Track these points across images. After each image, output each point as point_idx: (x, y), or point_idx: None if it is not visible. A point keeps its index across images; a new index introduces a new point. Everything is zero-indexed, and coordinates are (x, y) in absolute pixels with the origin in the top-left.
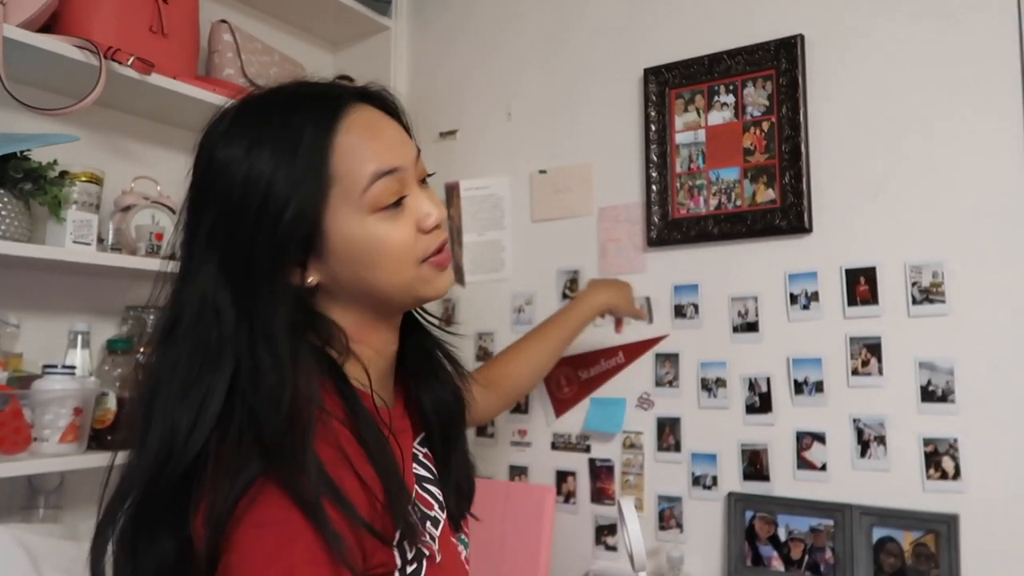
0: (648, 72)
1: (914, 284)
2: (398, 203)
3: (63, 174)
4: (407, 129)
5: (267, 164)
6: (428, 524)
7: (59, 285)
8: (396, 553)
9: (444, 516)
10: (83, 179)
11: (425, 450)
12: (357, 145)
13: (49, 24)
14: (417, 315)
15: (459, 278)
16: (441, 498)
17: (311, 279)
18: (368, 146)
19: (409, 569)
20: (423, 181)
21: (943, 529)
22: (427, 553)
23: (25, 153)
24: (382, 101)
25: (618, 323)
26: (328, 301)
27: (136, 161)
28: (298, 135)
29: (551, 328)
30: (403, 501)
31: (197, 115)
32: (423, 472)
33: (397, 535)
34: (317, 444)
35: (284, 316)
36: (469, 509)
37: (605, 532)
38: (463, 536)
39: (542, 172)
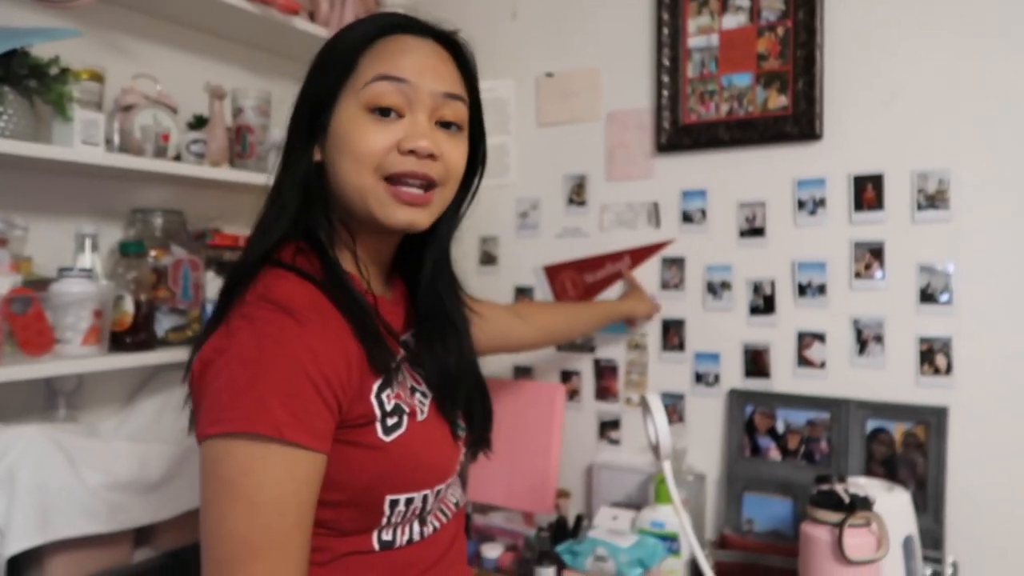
0: None
1: (920, 191)
2: (389, 113)
3: (65, 71)
4: (466, 81)
5: (322, 58)
6: (418, 394)
7: (63, 187)
8: (375, 403)
9: (431, 397)
10: (84, 77)
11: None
12: (383, 53)
13: None
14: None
15: None
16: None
17: (317, 156)
18: (391, 57)
19: (390, 421)
20: (445, 125)
21: (933, 420)
22: (407, 410)
23: (26, 49)
24: (452, 45)
25: (631, 321)
26: (333, 187)
27: (133, 58)
28: (349, 40)
29: (582, 305)
30: (379, 351)
31: (196, 9)
32: (409, 358)
33: (376, 385)
34: (287, 300)
35: (294, 181)
36: (485, 434)
37: (608, 427)
38: (460, 424)
39: (549, 75)
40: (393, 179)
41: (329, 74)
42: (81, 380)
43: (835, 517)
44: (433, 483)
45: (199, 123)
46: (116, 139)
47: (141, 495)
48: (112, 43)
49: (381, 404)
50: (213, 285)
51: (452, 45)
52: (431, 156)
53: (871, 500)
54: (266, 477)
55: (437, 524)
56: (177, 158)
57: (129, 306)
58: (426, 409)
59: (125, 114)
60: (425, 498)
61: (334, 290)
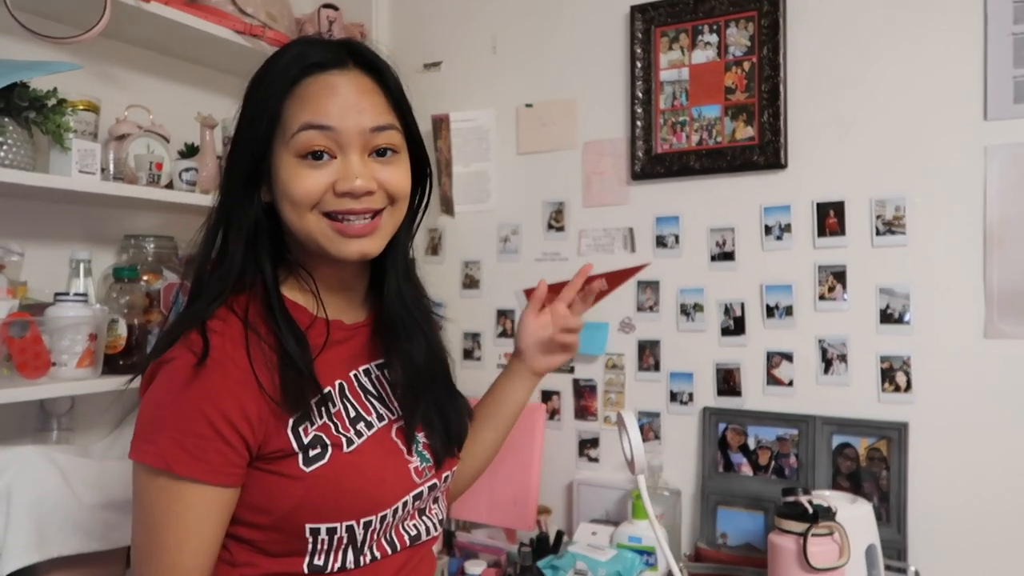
0: (635, 9)
1: (878, 217)
2: (321, 155)
3: (62, 102)
4: (395, 105)
5: (250, 105)
6: (360, 424)
7: (59, 213)
8: (291, 437)
9: (382, 425)
10: (81, 107)
11: (380, 374)
12: (305, 98)
13: None
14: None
15: (447, 208)
16: (385, 414)
17: (265, 196)
18: (314, 103)
19: (312, 452)
20: (380, 153)
21: (894, 435)
22: (330, 441)
23: (25, 81)
24: (375, 71)
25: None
26: (284, 224)
27: (126, 89)
28: (273, 84)
29: (490, 413)
30: (300, 389)
31: (188, 42)
32: (369, 387)
33: (291, 420)
34: (210, 334)
35: (240, 229)
36: (450, 446)
37: (588, 445)
38: (425, 453)
39: (528, 106)
40: (335, 216)
41: (258, 126)
42: (74, 401)
43: (799, 527)
44: (358, 515)
45: (191, 151)
46: (111, 167)
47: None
48: (107, 75)
49: (298, 438)
50: None
51: (375, 71)
52: (368, 192)
53: (833, 510)
54: (162, 503)
55: (379, 554)
56: (169, 185)
57: (123, 329)
58: (362, 439)
59: (119, 143)
60: (350, 528)
61: (260, 330)
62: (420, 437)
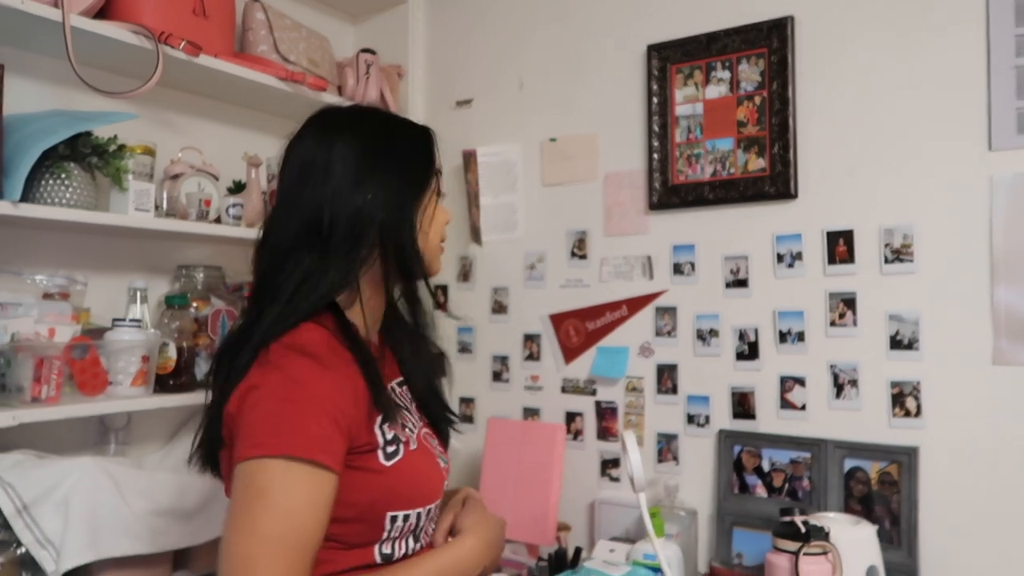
0: (651, 48)
1: (886, 245)
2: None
3: (122, 148)
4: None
5: (412, 174)
6: (408, 428)
7: (118, 247)
8: (378, 433)
9: (417, 430)
10: (139, 152)
11: (402, 390)
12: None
13: (103, 9)
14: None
15: (476, 238)
16: (415, 421)
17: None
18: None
19: (389, 449)
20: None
21: (905, 460)
22: (403, 439)
23: (89, 130)
24: None
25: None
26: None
27: (180, 132)
28: (426, 161)
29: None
30: (382, 393)
31: (235, 89)
32: (398, 400)
33: (378, 419)
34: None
35: (347, 272)
36: (445, 438)
37: (609, 465)
38: (444, 457)
39: (552, 140)
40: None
41: (419, 184)
42: (130, 417)
43: (793, 545)
44: (425, 502)
45: (238, 188)
46: (164, 204)
47: (180, 521)
48: (163, 120)
49: (383, 434)
50: None
51: None
52: None
53: (826, 530)
54: (295, 488)
55: (424, 543)
56: (217, 220)
57: (172, 352)
58: (415, 440)
59: (173, 182)
60: (419, 515)
61: (346, 340)
62: (437, 444)
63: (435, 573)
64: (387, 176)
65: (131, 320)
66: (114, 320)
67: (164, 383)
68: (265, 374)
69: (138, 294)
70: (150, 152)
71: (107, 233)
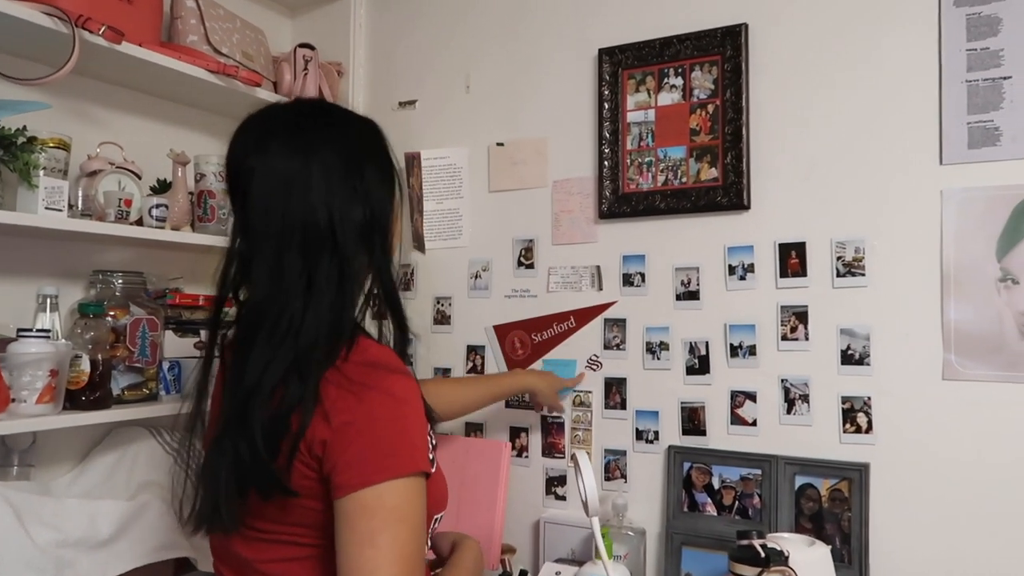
0: (603, 52)
1: (839, 258)
2: None
3: (32, 140)
4: None
5: (392, 191)
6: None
7: (27, 249)
8: (431, 441)
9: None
10: (51, 145)
11: None
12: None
13: None
14: None
15: (419, 245)
16: None
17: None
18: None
19: (431, 456)
20: None
21: (856, 476)
22: (433, 446)
23: None
24: None
25: (537, 404)
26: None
27: (99, 126)
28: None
29: (478, 381)
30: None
31: (161, 81)
32: None
33: (429, 427)
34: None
35: (361, 286)
36: None
37: (555, 483)
38: None
39: (500, 145)
40: None
41: (393, 199)
42: (35, 437)
43: (752, 571)
44: (444, 506)
45: (162, 188)
46: (79, 204)
47: (90, 552)
48: (80, 112)
49: (431, 442)
50: (172, 344)
51: None
52: None
53: (786, 554)
54: (419, 502)
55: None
56: (139, 222)
57: (86, 365)
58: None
59: (89, 179)
60: (440, 518)
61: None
62: None
63: (473, 567)
64: (372, 177)
65: (39, 330)
66: (19, 331)
67: (76, 399)
68: (362, 396)
69: (48, 301)
70: (64, 146)
71: (13, 233)
